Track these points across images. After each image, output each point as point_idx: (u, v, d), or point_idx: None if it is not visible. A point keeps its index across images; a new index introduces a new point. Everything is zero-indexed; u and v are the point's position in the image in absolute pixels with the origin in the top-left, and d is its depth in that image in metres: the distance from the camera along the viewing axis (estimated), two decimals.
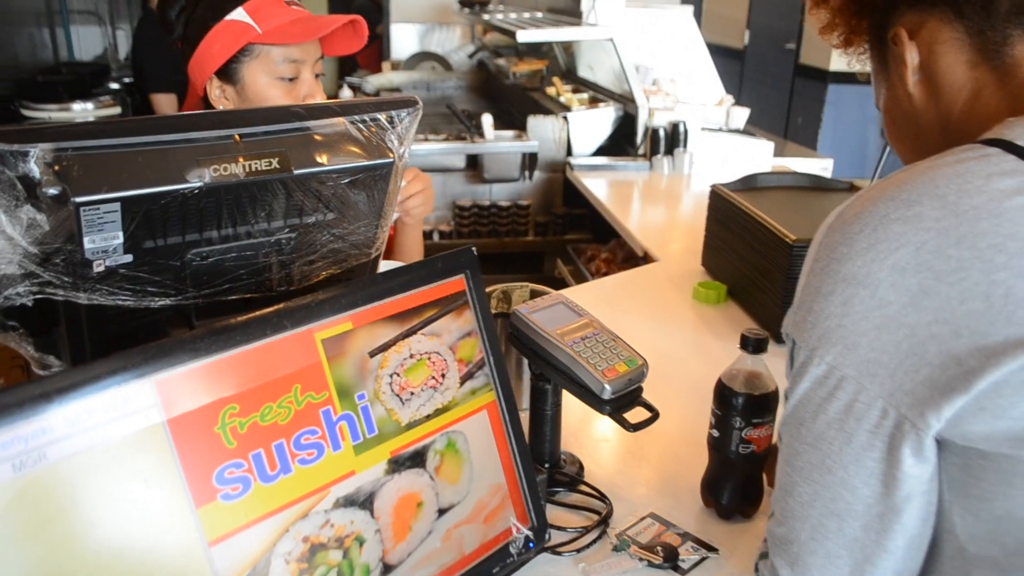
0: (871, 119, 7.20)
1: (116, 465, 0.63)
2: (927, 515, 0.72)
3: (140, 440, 0.65)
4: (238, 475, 0.70)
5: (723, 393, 1.10)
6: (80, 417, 0.61)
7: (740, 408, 1.08)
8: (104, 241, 0.78)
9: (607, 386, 1.05)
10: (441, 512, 0.85)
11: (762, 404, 1.08)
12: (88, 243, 0.77)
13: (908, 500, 0.70)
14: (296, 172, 0.85)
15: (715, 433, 1.12)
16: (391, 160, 0.94)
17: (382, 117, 0.94)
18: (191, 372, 0.68)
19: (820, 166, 3.52)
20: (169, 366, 0.67)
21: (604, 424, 1.39)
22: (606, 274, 2.94)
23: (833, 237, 0.72)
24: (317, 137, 0.89)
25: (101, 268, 0.81)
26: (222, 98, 1.44)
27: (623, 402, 1.08)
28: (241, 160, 0.82)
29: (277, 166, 0.84)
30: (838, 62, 6.94)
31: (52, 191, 0.74)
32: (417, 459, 0.84)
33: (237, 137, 0.84)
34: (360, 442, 0.79)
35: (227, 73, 1.41)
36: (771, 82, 7.93)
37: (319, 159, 0.87)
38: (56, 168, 0.74)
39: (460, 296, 0.90)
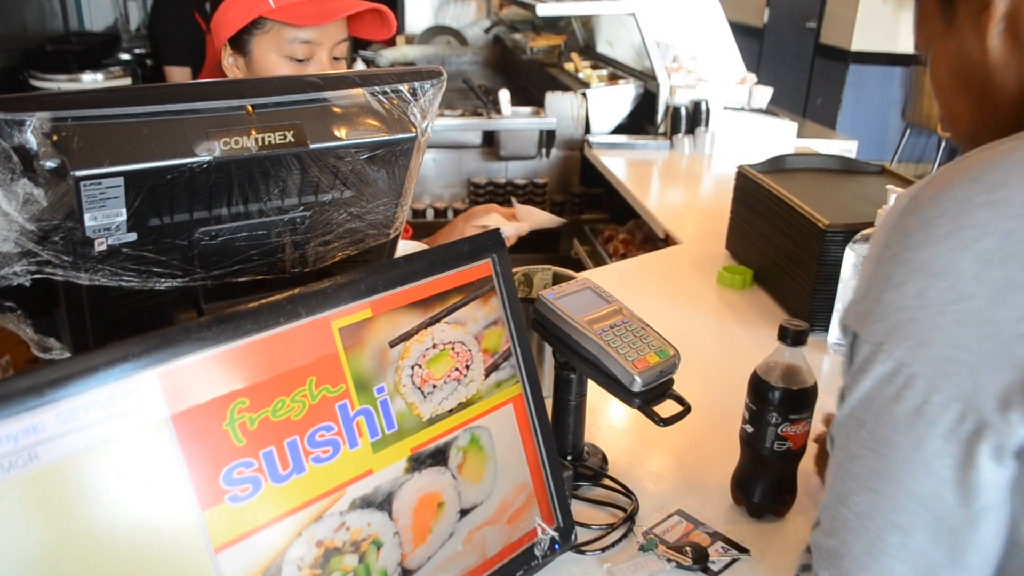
0: (892, 101, 7.09)
1: (115, 465, 0.58)
2: (1003, 527, 0.66)
3: (141, 438, 0.59)
4: (248, 475, 0.65)
5: (759, 387, 1.04)
6: (75, 413, 0.56)
7: (777, 403, 1.02)
8: (106, 218, 0.74)
9: (637, 378, 0.99)
10: (463, 513, 0.80)
11: (800, 399, 1.03)
12: (89, 220, 0.73)
13: (985, 512, 0.63)
14: (312, 146, 0.80)
15: (748, 428, 1.06)
16: (413, 135, 0.88)
17: (404, 89, 0.88)
18: (198, 363, 0.63)
19: (844, 148, 3.43)
20: (174, 356, 0.61)
21: (627, 414, 1.33)
22: (624, 255, 2.88)
23: (907, 222, 0.65)
24: (335, 109, 0.83)
25: (103, 247, 0.76)
26: (233, 67, 1.39)
27: (653, 395, 1.02)
28: (254, 133, 0.77)
29: (292, 140, 0.79)
30: (860, 42, 6.83)
31: (50, 164, 0.69)
32: (439, 456, 0.78)
33: (250, 108, 0.79)
34: (379, 439, 0.73)
35: (239, 43, 1.36)
36: (790, 61, 7.80)
37: (337, 133, 0.82)
38: (55, 139, 0.70)
39: (486, 282, 0.84)
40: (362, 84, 0.85)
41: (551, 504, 0.88)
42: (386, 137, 0.86)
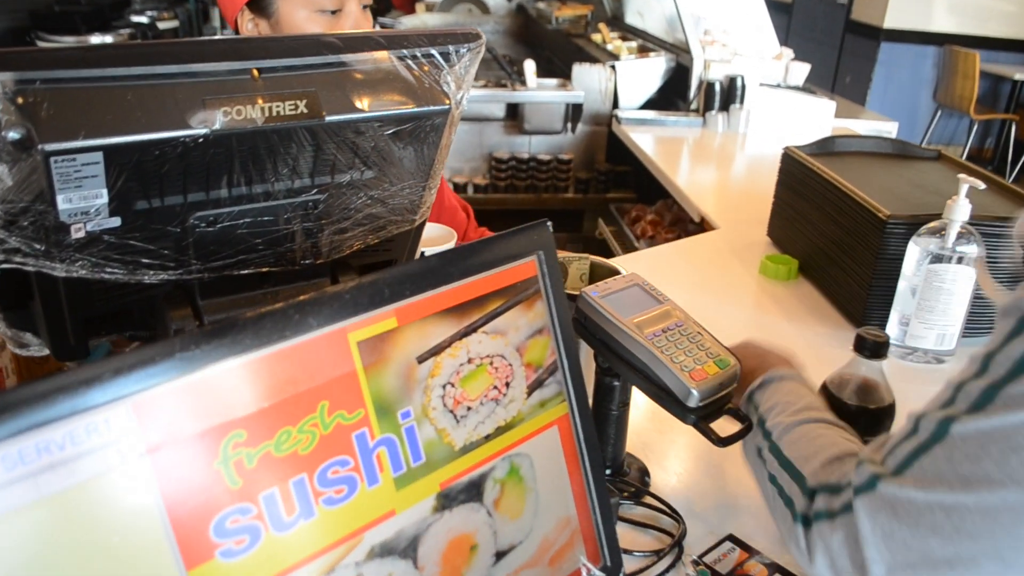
0: (924, 81, 6.90)
1: (77, 518, 0.46)
2: None
3: (111, 483, 0.47)
4: (244, 523, 0.53)
5: (830, 403, 0.91)
6: (25, 455, 0.44)
7: (851, 423, 0.90)
8: (83, 200, 0.62)
9: (695, 391, 0.87)
10: (499, 555, 0.68)
11: (877, 419, 0.90)
12: (63, 203, 0.62)
13: None
14: (328, 119, 0.68)
15: None
16: (446, 107, 0.76)
17: (437, 53, 0.75)
18: (182, 388, 0.50)
19: (883, 129, 3.28)
20: (152, 381, 0.49)
21: (666, 418, 1.21)
22: (652, 237, 2.75)
23: None
24: (356, 75, 0.71)
25: (81, 234, 0.65)
26: (254, 32, 1.26)
27: (710, 410, 0.90)
28: (259, 101, 0.66)
29: (304, 111, 0.67)
30: (892, 19, 6.62)
31: (13, 135, 0.58)
32: (473, 491, 0.66)
33: (255, 72, 0.67)
34: (403, 473, 0.61)
35: (260, 5, 1.24)
36: (820, 38, 7.60)
37: (357, 103, 0.70)
38: (20, 103, 0.58)
39: (531, 283, 0.71)
40: (388, 47, 0.73)
41: (597, 539, 0.77)
42: (415, 109, 0.73)
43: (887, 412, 0.90)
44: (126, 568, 0.48)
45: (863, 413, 0.90)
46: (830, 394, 0.92)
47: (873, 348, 0.89)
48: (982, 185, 1.31)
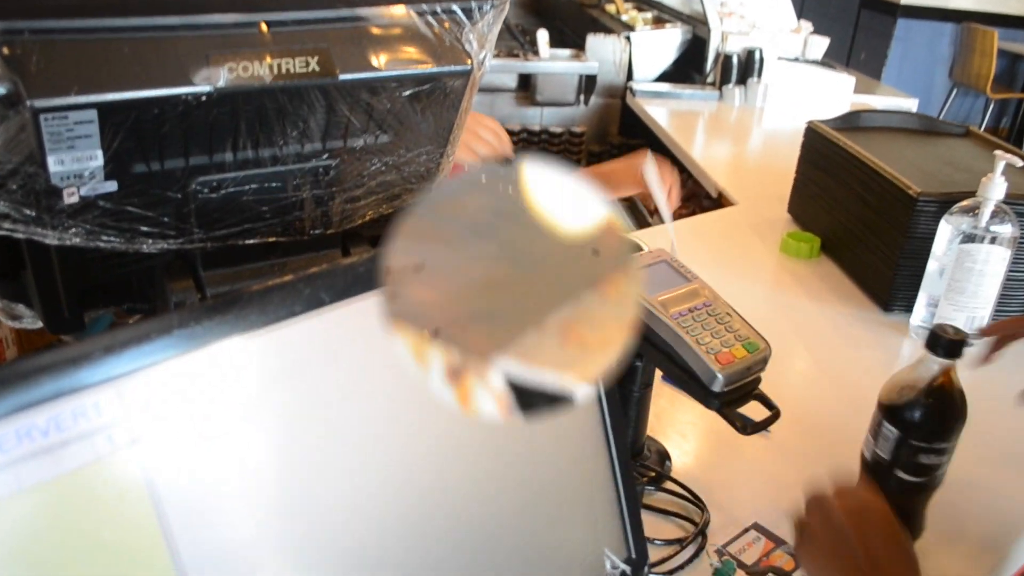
0: (940, 59, 6.79)
1: (63, 511, 0.42)
2: None
3: (101, 473, 0.43)
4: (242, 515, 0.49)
5: (897, 407, 0.85)
6: (4, 443, 0.39)
7: (923, 428, 0.84)
8: (76, 163, 0.58)
9: (720, 376, 0.82)
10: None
11: (950, 427, 0.84)
12: (54, 164, 0.57)
13: None
14: (342, 78, 0.64)
15: (881, 453, 0.86)
16: (467, 68, 0.71)
17: (459, 9, 0.70)
18: (180, 369, 0.46)
19: (904, 105, 3.20)
20: (147, 360, 0.44)
21: (691, 402, 1.17)
22: None
23: None
24: (372, 31, 0.66)
25: (74, 199, 0.60)
26: None
27: (736, 396, 0.86)
28: (268, 58, 0.61)
29: (316, 68, 0.62)
30: None
31: None
32: None
33: (264, 26, 0.62)
34: None
35: None
36: (834, 13, 7.47)
37: (373, 61, 0.65)
38: (6, 55, 0.53)
39: None
40: (407, 0, 0.68)
41: (623, 531, 0.72)
42: (435, 69, 0.68)
43: (960, 418, 0.84)
44: (118, 565, 0.44)
45: (938, 418, 0.84)
46: (898, 397, 0.85)
47: (948, 347, 0.82)
48: (1020, 162, 1.25)
